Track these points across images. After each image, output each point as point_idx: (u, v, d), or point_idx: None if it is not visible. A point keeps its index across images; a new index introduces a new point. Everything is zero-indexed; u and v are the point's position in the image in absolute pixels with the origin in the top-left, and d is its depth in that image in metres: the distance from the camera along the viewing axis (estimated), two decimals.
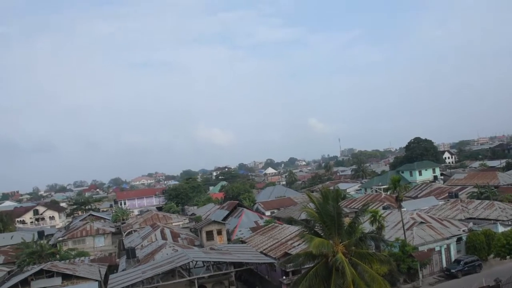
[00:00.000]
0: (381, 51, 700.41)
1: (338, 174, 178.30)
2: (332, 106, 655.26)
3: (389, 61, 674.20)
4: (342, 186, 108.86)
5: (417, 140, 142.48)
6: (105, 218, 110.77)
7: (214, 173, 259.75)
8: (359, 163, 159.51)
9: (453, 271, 45.36)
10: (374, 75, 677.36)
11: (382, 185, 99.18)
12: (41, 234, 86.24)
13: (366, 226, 44.74)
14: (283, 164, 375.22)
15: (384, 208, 64.71)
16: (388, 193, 74.49)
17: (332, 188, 40.28)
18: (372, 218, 45.89)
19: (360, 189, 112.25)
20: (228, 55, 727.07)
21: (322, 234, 29.30)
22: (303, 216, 58.33)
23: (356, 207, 70.29)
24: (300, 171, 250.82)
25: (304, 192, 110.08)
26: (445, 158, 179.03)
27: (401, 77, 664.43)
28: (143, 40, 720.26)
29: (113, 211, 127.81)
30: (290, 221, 57.30)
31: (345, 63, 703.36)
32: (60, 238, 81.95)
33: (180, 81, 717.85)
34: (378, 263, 29.00)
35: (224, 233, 62.76)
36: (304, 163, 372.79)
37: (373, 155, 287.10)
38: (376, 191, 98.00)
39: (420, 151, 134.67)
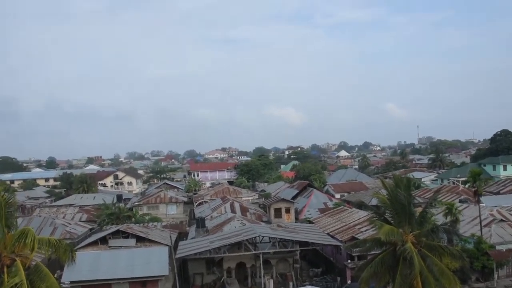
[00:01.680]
0: (469, 36, 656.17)
1: (414, 162, 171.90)
2: (412, 92, 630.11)
3: (477, 47, 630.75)
4: (417, 174, 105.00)
5: (504, 133, 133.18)
6: (178, 188, 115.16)
7: (287, 152, 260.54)
8: (437, 153, 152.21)
9: None
10: (459, 61, 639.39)
11: (460, 177, 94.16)
12: (119, 197, 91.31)
13: (440, 219, 43.01)
14: (356, 148, 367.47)
15: (460, 201, 61.58)
16: (467, 186, 70.70)
17: (405, 176, 38.98)
18: (447, 211, 43.99)
19: (436, 180, 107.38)
20: (305, 34, 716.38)
21: (392, 221, 28.57)
22: (374, 201, 57.18)
23: (430, 198, 67.50)
24: (374, 156, 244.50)
25: (376, 177, 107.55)
26: None
27: (490, 64, 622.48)
28: (221, 17, 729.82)
29: (186, 182, 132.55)
30: (360, 205, 56.40)
31: (428, 48, 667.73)
32: (136, 203, 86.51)
33: (256, 59, 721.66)
34: (449, 257, 27.83)
35: (292, 211, 63.05)
36: (378, 148, 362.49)
37: (453, 145, 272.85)
38: (454, 183, 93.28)
39: (507, 145, 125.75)
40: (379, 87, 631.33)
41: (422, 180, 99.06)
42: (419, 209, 31.13)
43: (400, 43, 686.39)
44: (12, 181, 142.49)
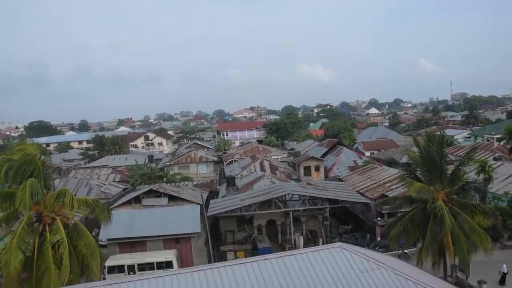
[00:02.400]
0: None
1: (446, 119, 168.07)
2: (446, 47, 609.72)
3: None
4: (449, 132, 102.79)
5: None
6: (208, 147, 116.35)
7: (315, 110, 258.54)
8: (471, 109, 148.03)
9: None
10: (495, 13, 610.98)
11: (495, 134, 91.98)
12: (151, 158, 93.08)
13: (472, 176, 42.38)
14: (387, 105, 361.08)
15: (495, 159, 60.30)
16: (501, 143, 68.96)
17: (438, 133, 38.22)
18: (480, 168, 43.18)
19: (470, 137, 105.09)
20: None
21: (423, 179, 28.32)
22: (404, 159, 56.68)
23: (462, 156, 66.21)
24: (405, 113, 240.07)
25: (407, 135, 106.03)
26: None
27: None
28: None
29: (216, 141, 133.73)
30: (391, 163, 56.04)
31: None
32: (167, 163, 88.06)
33: (283, 16, 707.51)
34: (481, 215, 27.55)
35: (321, 169, 63.09)
36: (410, 105, 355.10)
37: (488, 101, 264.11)
38: (488, 140, 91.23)
39: None
40: (410, 42, 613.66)
41: (455, 137, 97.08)
42: (451, 167, 30.72)
43: None
44: (47, 144, 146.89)
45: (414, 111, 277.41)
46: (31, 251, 21.36)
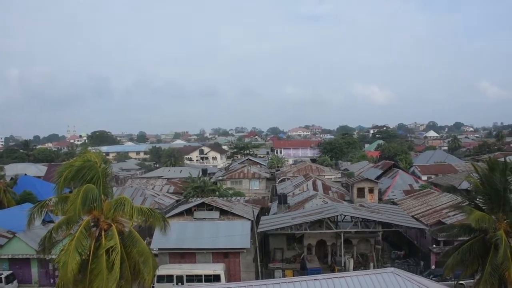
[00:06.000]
0: None
1: (511, 145, 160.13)
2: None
3: None
4: None
5: None
6: (261, 164, 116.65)
7: (371, 131, 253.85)
8: None
9: None
10: None
11: None
12: (204, 171, 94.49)
13: None
14: (446, 128, 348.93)
15: None
16: None
17: (501, 159, 36.37)
18: None
19: None
20: (396, 8, 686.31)
21: (483, 208, 26.96)
22: (464, 185, 54.49)
23: None
24: (466, 137, 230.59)
25: (467, 160, 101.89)
26: None
27: None
28: None
29: (269, 158, 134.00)
30: (449, 189, 53.87)
31: None
32: (220, 177, 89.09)
33: (342, 35, 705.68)
34: None
35: (375, 192, 61.76)
36: (471, 129, 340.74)
37: None
38: None
39: None
40: (474, 64, 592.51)
41: None
42: None
43: (499, 15, 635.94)
44: (107, 153, 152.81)
45: (475, 135, 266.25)
46: (87, 254, 22.12)
